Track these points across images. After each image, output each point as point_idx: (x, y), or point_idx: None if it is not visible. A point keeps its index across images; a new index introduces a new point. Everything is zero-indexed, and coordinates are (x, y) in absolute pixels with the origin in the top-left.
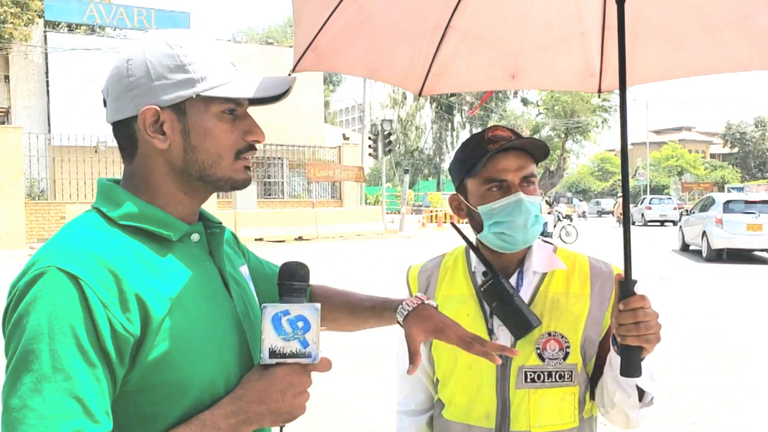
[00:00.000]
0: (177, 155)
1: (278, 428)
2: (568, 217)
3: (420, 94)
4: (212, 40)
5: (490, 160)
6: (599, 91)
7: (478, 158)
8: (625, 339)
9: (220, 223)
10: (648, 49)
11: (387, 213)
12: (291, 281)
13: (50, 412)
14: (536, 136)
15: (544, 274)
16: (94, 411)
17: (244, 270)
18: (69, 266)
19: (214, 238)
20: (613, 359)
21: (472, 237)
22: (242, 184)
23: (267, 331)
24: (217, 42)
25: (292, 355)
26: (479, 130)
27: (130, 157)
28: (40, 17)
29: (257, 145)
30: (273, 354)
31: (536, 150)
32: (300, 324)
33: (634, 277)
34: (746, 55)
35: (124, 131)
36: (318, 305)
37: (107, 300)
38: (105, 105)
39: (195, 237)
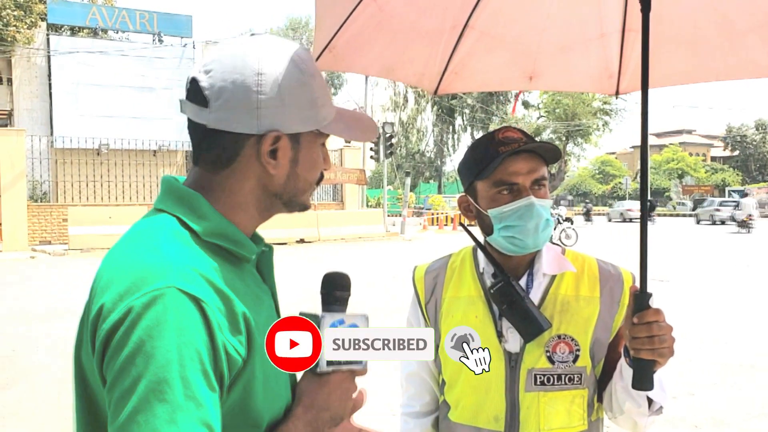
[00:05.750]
0: (279, 181)
1: None
2: (569, 219)
3: (435, 93)
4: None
5: (501, 163)
6: (617, 93)
7: (489, 160)
8: (638, 352)
9: (263, 240)
10: (669, 52)
11: (388, 216)
12: (335, 290)
13: None
14: (537, 139)
15: (554, 277)
16: None
17: None
18: (189, 287)
19: (264, 258)
20: (624, 370)
21: (481, 238)
22: (307, 209)
23: (324, 340)
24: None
25: (347, 363)
26: (480, 133)
27: (215, 165)
28: (42, 20)
29: None
30: (330, 362)
31: (547, 153)
32: None
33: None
34: None
35: (226, 142)
36: (368, 314)
37: (222, 323)
38: (202, 104)
39: (253, 256)
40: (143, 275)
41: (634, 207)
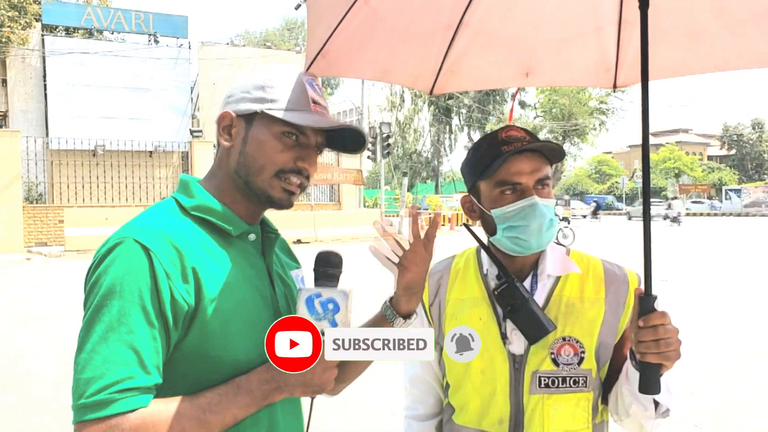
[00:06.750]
0: (234, 157)
1: (310, 400)
2: (566, 219)
3: (431, 93)
4: (304, 78)
5: (504, 163)
6: (614, 86)
7: (492, 160)
8: (644, 356)
9: (277, 230)
10: (667, 44)
11: (385, 216)
12: (325, 267)
13: (112, 357)
14: None
15: (558, 278)
16: (147, 363)
17: (297, 273)
18: (142, 238)
19: (268, 241)
20: (630, 373)
21: (484, 239)
22: (278, 203)
23: (301, 311)
24: (309, 82)
25: (323, 334)
26: (477, 133)
27: (216, 152)
28: (37, 21)
29: None
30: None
31: (551, 152)
32: (330, 306)
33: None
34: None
35: (217, 131)
36: (348, 290)
37: (171, 271)
38: None
39: (252, 237)
40: (117, 232)
41: (576, 206)
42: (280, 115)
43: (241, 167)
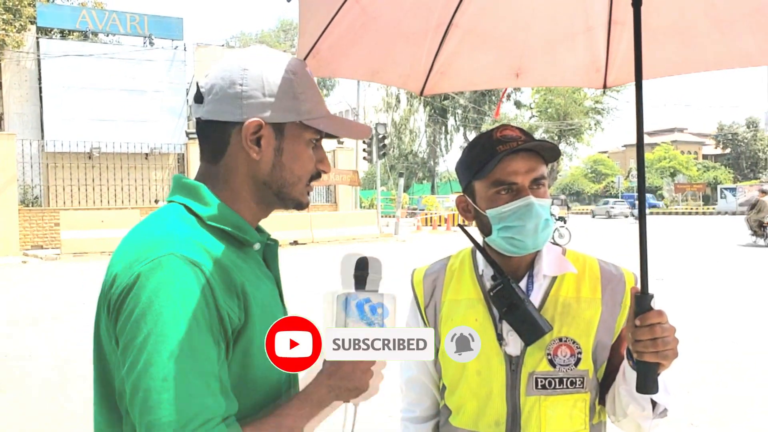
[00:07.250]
0: (264, 169)
1: (353, 409)
2: (562, 218)
3: (422, 94)
4: (309, 71)
5: (500, 162)
6: (604, 86)
7: (487, 160)
8: (642, 355)
9: (270, 235)
10: (657, 44)
11: (382, 216)
12: (370, 273)
13: (195, 391)
14: None
15: (554, 278)
16: (227, 387)
17: None
18: (189, 253)
19: (269, 249)
20: (628, 373)
21: (479, 239)
22: (303, 207)
23: (352, 316)
24: (311, 73)
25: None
26: (472, 133)
27: (213, 157)
28: (32, 24)
29: None
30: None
31: (546, 151)
32: (380, 310)
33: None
34: (757, 49)
35: (217, 133)
36: (396, 294)
37: (220, 288)
38: (199, 101)
39: (257, 246)
40: (150, 246)
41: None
42: (321, 126)
43: (276, 179)
